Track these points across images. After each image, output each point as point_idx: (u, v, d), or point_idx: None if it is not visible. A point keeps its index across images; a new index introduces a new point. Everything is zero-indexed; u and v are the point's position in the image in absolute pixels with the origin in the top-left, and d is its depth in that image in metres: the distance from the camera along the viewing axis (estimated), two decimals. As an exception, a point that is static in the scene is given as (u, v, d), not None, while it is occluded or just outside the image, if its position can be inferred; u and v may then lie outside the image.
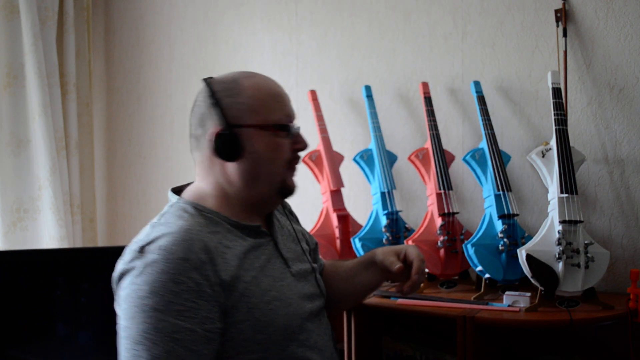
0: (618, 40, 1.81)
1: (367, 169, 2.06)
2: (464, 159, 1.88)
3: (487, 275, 1.71)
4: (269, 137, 1.17)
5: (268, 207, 1.26)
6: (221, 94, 1.16)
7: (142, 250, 1.05)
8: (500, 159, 1.82)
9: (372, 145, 2.07)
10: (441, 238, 1.85)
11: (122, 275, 1.07)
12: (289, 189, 1.22)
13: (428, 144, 1.97)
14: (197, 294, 1.03)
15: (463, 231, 1.88)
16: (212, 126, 1.16)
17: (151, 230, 1.10)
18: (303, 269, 1.27)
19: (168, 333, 0.99)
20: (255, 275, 1.14)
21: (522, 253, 1.55)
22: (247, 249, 1.16)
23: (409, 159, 1.99)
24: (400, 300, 1.69)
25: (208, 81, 1.20)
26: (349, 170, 2.25)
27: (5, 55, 2.52)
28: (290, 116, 1.21)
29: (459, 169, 2.05)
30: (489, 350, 1.64)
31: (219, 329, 1.06)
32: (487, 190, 1.82)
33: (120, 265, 1.09)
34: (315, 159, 2.13)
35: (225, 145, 1.14)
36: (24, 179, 2.56)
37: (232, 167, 1.16)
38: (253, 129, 1.15)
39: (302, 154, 1.24)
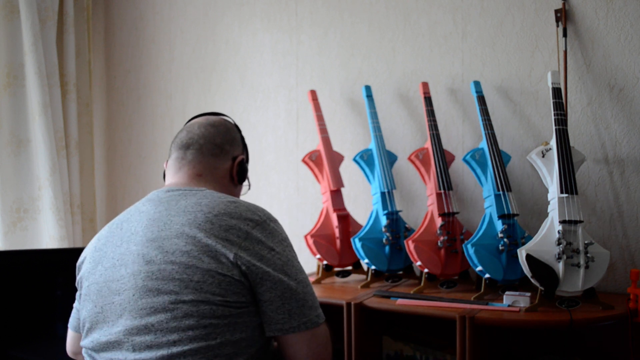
0: (618, 40, 1.81)
1: (367, 169, 2.06)
2: (464, 159, 1.88)
3: (487, 275, 1.71)
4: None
5: None
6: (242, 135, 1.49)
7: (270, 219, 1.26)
8: (500, 159, 1.82)
9: (372, 145, 2.07)
10: (441, 238, 1.85)
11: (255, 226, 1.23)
12: None
13: (428, 144, 1.97)
14: None
15: (463, 231, 1.88)
16: (237, 152, 1.44)
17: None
18: None
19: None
20: None
21: (522, 253, 1.55)
22: None
23: (409, 159, 1.99)
24: (400, 300, 1.69)
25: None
26: (349, 170, 2.25)
27: (5, 55, 2.52)
28: None
29: (459, 169, 2.05)
30: (489, 350, 1.64)
31: None
32: (487, 190, 1.82)
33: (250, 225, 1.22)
34: (315, 159, 2.13)
35: (242, 171, 1.44)
36: (24, 179, 2.56)
37: (234, 187, 1.46)
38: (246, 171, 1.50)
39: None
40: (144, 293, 1.17)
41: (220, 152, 1.40)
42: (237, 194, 1.46)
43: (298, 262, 1.24)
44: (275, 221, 1.26)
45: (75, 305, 1.38)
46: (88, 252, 1.31)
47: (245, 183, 1.51)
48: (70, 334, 1.39)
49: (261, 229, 1.21)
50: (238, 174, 1.43)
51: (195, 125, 1.43)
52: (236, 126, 1.49)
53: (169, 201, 1.27)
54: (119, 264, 1.22)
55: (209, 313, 1.14)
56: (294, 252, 1.26)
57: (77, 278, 1.33)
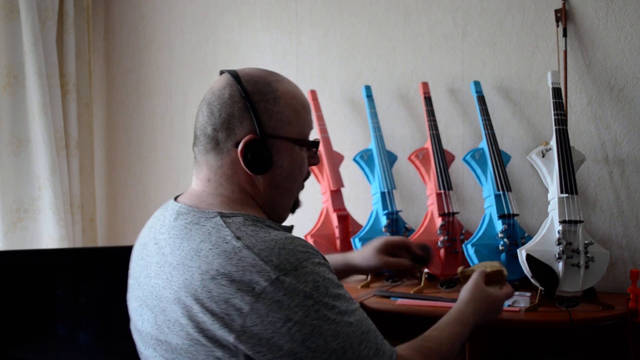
0: (618, 40, 1.81)
1: (367, 169, 2.06)
2: (464, 159, 1.88)
3: (487, 275, 1.71)
4: (297, 152, 1.10)
5: (283, 219, 1.19)
6: (257, 97, 1.05)
7: (286, 269, 0.93)
8: (500, 159, 1.82)
9: (372, 145, 2.07)
10: (441, 238, 1.84)
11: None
12: (298, 205, 1.20)
13: (428, 144, 1.97)
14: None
15: (463, 231, 1.88)
16: (243, 132, 1.05)
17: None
18: None
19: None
20: None
21: (522, 253, 1.55)
22: None
23: (409, 159, 1.99)
24: (400, 300, 1.69)
25: (238, 78, 1.07)
26: (349, 170, 2.24)
27: (5, 55, 2.52)
28: (312, 129, 1.14)
29: (459, 169, 2.05)
30: (489, 350, 1.64)
31: None
32: (487, 190, 1.82)
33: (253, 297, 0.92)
34: (315, 159, 2.13)
35: (257, 157, 1.04)
36: (24, 179, 2.56)
37: (259, 178, 1.08)
38: (285, 141, 1.07)
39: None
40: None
41: (215, 146, 1.07)
42: (274, 188, 1.09)
43: (333, 321, 0.92)
44: (299, 267, 0.93)
45: None
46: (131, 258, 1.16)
47: (283, 163, 1.07)
48: None
49: (273, 292, 0.91)
50: (250, 163, 1.04)
51: (200, 106, 1.11)
52: (243, 89, 1.05)
53: (175, 239, 1.03)
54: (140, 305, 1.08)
55: None
56: (330, 301, 0.93)
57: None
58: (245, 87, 1.05)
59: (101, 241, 2.97)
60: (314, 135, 2.30)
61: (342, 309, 0.95)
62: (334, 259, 1.56)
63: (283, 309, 0.91)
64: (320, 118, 2.18)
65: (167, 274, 1.01)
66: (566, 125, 1.69)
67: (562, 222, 1.57)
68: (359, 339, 0.95)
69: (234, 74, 1.07)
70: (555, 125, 1.67)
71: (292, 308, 0.91)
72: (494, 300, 1.22)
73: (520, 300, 1.59)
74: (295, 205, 1.18)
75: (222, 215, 1.02)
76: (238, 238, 0.96)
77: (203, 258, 0.96)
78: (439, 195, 1.89)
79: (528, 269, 1.54)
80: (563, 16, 1.85)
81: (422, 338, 1.07)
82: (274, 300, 0.91)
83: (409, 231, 1.96)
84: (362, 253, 1.54)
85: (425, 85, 2.03)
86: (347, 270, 1.57)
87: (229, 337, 0.92)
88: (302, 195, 1.22)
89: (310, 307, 0.91)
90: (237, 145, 1.05)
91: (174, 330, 0.98)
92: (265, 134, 1.04)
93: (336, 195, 2.09)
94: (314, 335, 0.91)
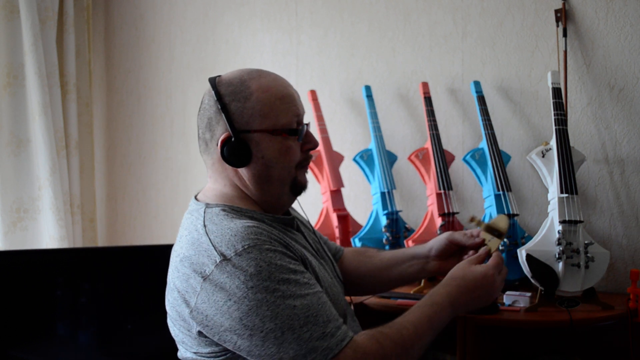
0: (618, 40, 1.81)
1: (367, 169, 2.06)
2: (464, 159, 1.88)
3: (487, 275, 1.71)
4: (279, 141, 1.16)
5: (283, 206, 1.25)
6: (228, 98, 1.15)
7: (229, 255, 1.04)
8: (500, 159, 1.82)
9: (372, 145, 2.07)
10: (441, 238, 1.84)
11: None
12: (301, 187, 1.23)
13: (428, 144, 1.97)
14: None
15: (463, 231, 1.88)
16: (220, 132, 1.15)
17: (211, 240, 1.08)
18: (325, 259, 1.30)
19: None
20: (311, 261, 1.16)
21: (522, 253, 1.55)
22: (293, 240, 1.17)
23: (409, 159, 1.99)
24: (400, 301, 1.69)
25: (214, 82, 1.18)
26: (349, 170, 2.24)
27: (5, 55, 2.52)
28: (299, 116, 1.19)
29: (459, 169, 2.05)
30: (489, 350, 1.64)
31: None
32: (487, 190, 1.82)
33: (197, 280, 1.06)
34: (315, 159, 2.13)
35: (233, 152, 1.14)
36: (24, 179, 2.56)
37: (243, 171, 1.17)
38: (262, 133, 1.14)
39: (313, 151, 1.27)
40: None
41: (206, 147, 1.19)
42: (259, 178, 1.17)
43: (272, 304, 1.00)
44: (243, 253, 1.02)
45: None
46: None
47: (264, 154, 1.15)
48: None
49: (218, 274, 1.02)
50: (228, 159, 1.14)
51: None
52: (216, 93, 1.16)
53: (180, 228, 1.19)
54: None
55: None
56: (271, 285, 1.01)
57: None
58: (219, 90, 1.17)
59: (101, 241, 2.97)
60: (314, 134, 2.30)
61: (287, 293, 1.02)
62: (419, 248, 1.46)
63: (225, 289, 1.01)
64: (320, 118, 2.18)
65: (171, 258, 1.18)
66: (566, 125, 1.69)
67: (562, 222, 1.57)
68: (302, 322, 1.01)
69: (212, 81, 1.20)
70: (555, 125, 1.67)
71: (233, 289, 1.01)
72: (477, 276, 1.17)
73: (520, 300, 1.59)
74: (296, 188, 1.22)
75: (207, 206, 1.15)
76: (204, 226, 1.10)
77: (180, 243, 1.12)
78: (439, 195, 1.89)
79: (528, 269, 1.54)
80: (563, 16, 1.85)
81: (387, 324, 1.10)
82: (218, 282, 1.02)
83: (409, 231, 1.96)
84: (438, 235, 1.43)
85: (425, 85, 2.03)
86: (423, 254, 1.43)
87: (186, 312, 1.07)
88: (302, 195, 1.23)
89: (250, 289, 1.00)
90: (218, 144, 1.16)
91: (168, 306, 1.15)
92: (238, 131, 1.14)
93: (336, 195, 2.09)
94: (251, 314, 1.00)
